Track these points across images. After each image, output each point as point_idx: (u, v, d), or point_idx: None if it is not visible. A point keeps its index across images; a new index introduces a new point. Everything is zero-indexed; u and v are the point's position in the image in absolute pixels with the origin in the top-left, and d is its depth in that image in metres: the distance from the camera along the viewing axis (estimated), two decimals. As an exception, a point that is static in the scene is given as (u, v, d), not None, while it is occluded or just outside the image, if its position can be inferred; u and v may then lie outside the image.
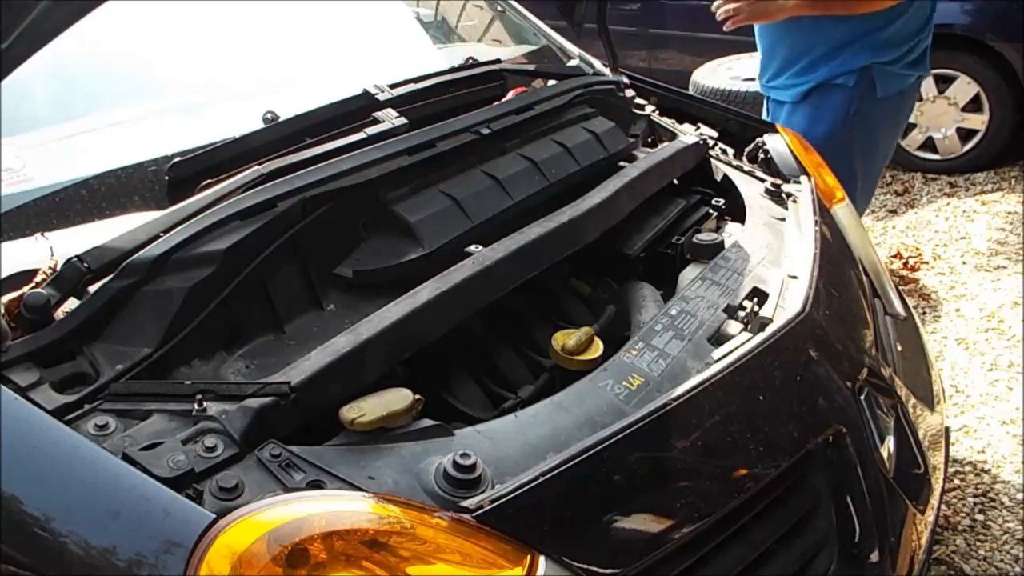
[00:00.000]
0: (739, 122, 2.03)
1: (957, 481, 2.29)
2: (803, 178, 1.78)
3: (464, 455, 0.92)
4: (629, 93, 2.03)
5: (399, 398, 1.00)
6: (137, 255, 1.09)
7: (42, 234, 1.19)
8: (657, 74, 2.51)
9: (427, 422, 1.01)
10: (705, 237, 1.51)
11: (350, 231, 1.32)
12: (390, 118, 1.46)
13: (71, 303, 1.07)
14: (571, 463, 0.95)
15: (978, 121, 4.17)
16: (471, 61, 1.94)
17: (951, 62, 3.96)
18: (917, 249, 3.60)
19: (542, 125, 1.66)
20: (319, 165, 1.29)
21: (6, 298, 1.03)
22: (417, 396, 1.01)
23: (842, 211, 1.82)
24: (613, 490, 1.00)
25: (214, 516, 0.82)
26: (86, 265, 1.07)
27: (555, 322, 1.41)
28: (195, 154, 1.36)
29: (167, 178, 1.35)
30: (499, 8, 2.45)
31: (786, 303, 1.34)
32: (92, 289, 1.08)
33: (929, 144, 4.28)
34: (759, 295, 1.37)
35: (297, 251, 1.24)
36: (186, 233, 1.12)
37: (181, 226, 1.13)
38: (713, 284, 1.39)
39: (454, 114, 1.54)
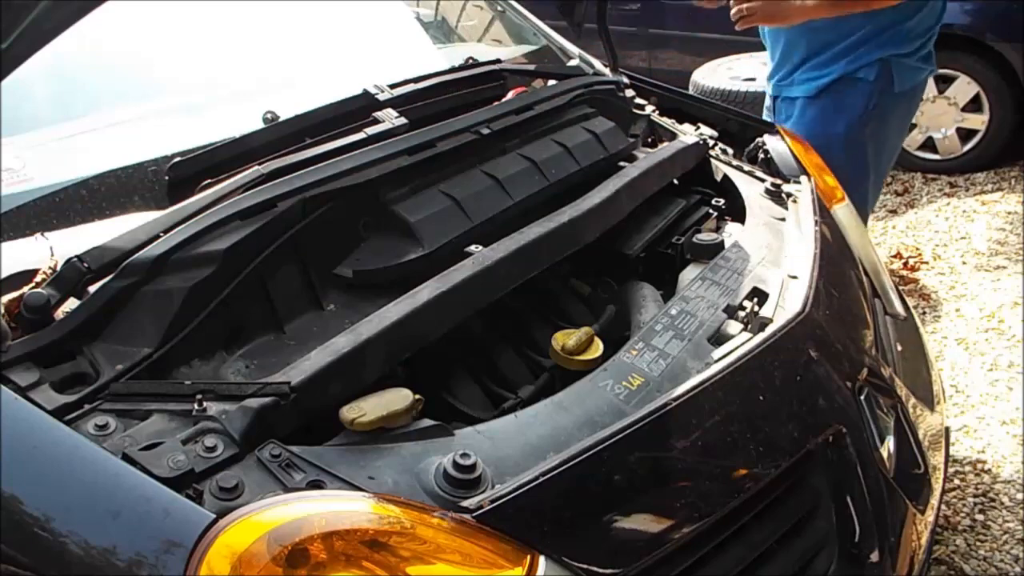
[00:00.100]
0: (739, 122, 2.03)
1: (957, 481, 2.29)
2: (803, 178, 1.78)
3: (464, 455, 0.92)
4: (629, 93, 2.03)
5: (399, 398, 1.00)
6: (137, 255, 1.09)
7: (42, 234, 1.19)
8: (657, 74, 2.51)
9: (427, 422, 1.01)
10: (705, 237, 1.51)
11: (350, 231, 1.32)
12: (390, 118, 1.46)
13: (71, 303, 1.07)
14: (571, 463, 0.95)
15: (978, 121, 4.17)
16: (471, 61, 1.94)
17: (951, 62, 3.96)
18: (917, 249, 3.60)
19: (542, 125, 1.66)
20: (319, 165, 1.29)
21: (6, 298, 1.03)
22: (417, 396, 1.01)
23: (842, 211, 1.82)
24: (613, 490, 1.00)
25: (214, 516, 0.82)
26: (86, 265, 1.07)
27: (555, 322, 1.41)
28: (195, 154, 1.36)
29: (167, 178, 1.34)
30: (499, 8, 2.45)
31: (786, 303, 1.34)
32: (92, 289, 1.08)
33: (929, 144, 4.28)
34: (759, 295, 1.37)
35: (297, 251, 1.24)
36: (186, 233, 1.12)
37: (181, 226, 1.13)
38: (713, 284, 1.39)
39: (454, 114, 1.54)
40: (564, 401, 1.09)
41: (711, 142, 1.90)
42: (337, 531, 0.83)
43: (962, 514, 2.19)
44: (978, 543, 2.11)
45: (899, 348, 1.67)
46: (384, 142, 1.39)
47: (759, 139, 1.93)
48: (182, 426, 0.93)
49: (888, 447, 1.36)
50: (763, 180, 1.79)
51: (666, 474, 1.08)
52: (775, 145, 1.90)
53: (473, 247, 1.30)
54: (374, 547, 0.84)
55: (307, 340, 1.16)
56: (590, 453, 0.97)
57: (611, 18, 2.14)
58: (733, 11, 2.19)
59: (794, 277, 1.40)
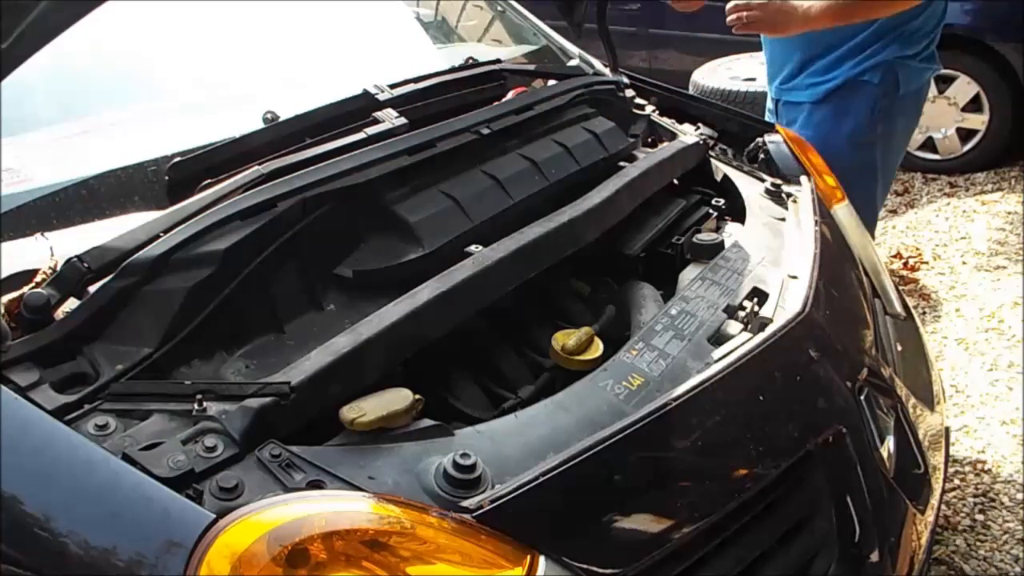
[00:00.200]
0: (739, 122, 2.03)
1: (957, 481, 2.29)
2: (803, 178, 1.78)
3: (464, 455, 0.92)
4: (629, 93, 2.02)
5: (399, 398, 1.00)
6: (137, 255, 1.09)
7: (42, 234, 1.19)
8: (657, 74, 2.50)
9: (427, 422, 1.01)
10: (705, 237, 1.51)
11: (350, 231, 1.32)
12: (390, 118, 1.46)
13: (71, 303, 1.07)
14: (571, 463, 0.95)
15: (978, 121, 4.17)
16: (471, 61, 1.94)
17: (951, 62, 3.96)
18: (917, 249, 3.60)
19: (542, 125, 1.66)
20: (319, 165, 1.29)
21: (6, 298, 1.03)
22: (417, 396, 1.01)
23: (842, 211, 1.82)
24: (613, 490, 1.00)
25: (214, 516, 0.82)
26: (86, 265, 1.07)
27: (555, 322, 1.41)
28: (195, 154, 1.36)
29: (167, 178, 1.34)
30: (499, 8, 2.45)
31: (786, 303, 1.34)
32: (92, 289, 1.08)
33: (929, 144, 4.28)
34: (759, 295, 1.37)
35: (297, 251, 1.24)
36: (186, 233, 1.12)
37: (181, 226, 1.13)
38: (713, 284, 1.39)
39: (454, 114, 1.54)
40: (564, 401, 1.09)
41: (711, 142, 1.90)
42: (337, 531, 0.83)
43: (962, 514, 2.19)
44: (978, 543, 2.11)
45: (899, 348, 1.67)
46: (384, 142, 1.39)
47: (759, 139, 1.93)
48: (182, 426, 0.93)
49: (888, 447, 1.36)
50: (763, 180, 1.79)
51: (666, 474, 1.08)
52: (775, 145, 1.90)
53: (473, 247, 1.30)
54: (374, 547, 0.84)
55: (307, 340, 1.15)
56: (590, 453, 0.97)
57: (611, 18, 2.14)
58: (731, 17, 2.14)
59: (794, 277, 1.40)
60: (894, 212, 4.00)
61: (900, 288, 2.12)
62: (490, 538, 0.88)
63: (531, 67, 2.04)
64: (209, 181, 1.28)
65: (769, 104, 2.49)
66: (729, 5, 2.10)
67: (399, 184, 1.37)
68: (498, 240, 1.29)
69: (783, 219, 1.65)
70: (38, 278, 1.07)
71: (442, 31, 2.64)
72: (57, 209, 1.35)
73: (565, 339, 1.25)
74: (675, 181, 1.80)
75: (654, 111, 2.02)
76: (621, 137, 1.78)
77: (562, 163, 1.58)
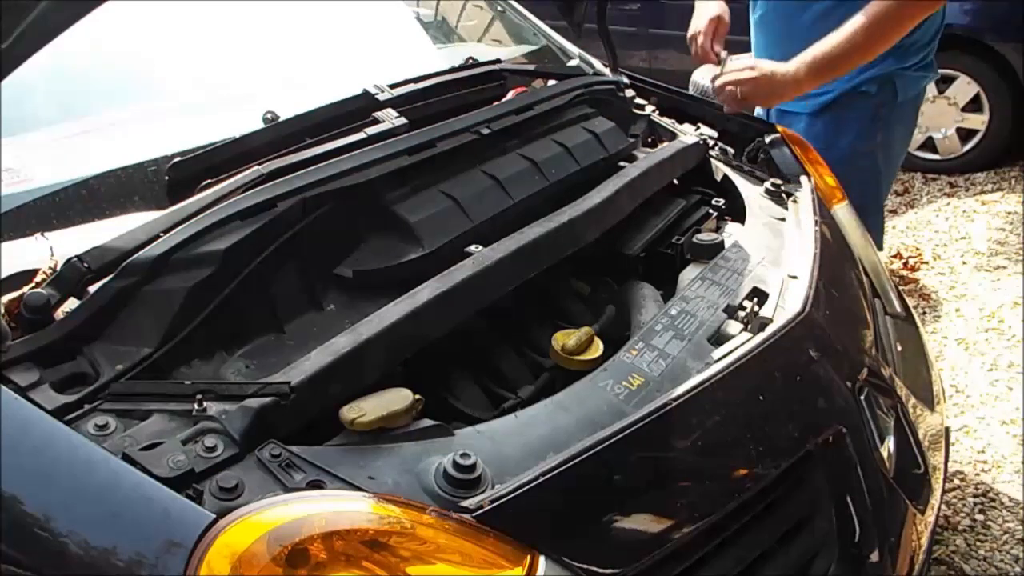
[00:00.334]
0: (739, 122, 2.02)
1: (957, 481, 2.29)
2: (803, 178, 1.78)
3: (464, 455, 0.92)
4: (629, 93, 2.02)
5: (399, 398, 1.00)
6: (137, 255, 1.09)
7: (42, 234, 1.19)
8: (657, 74, 2.50)
9: (427, 422, 1.01)
10: (705, 237, 1.51)
11: (350, 231, 1.32)
12: (390, 118, 1.46)
13: (71, 303, 1.07)
14: (571, 463, 0.95)
15: (978, 121, 4.17)
16: (471, 61, 1.94)
17: (951, 62, 3.97)
18: (917, 249, 3.61)
19: (542, 125, 1.66)
20: (319, 165, 1.29)
21: (6, 298, 1.03)
22: (417, 396, 1.01)
23: (842, 211, 1.82)
24: (613, 490, 1.00)
25: (214, 516, 0.82)
26: (86, 265, 1.07)
27: (555, 322, 1.41)
28: (195, 154, 1.36)
29: (167, 178, 1.34)
30: (499, 8, 2.45)
31: (786, 303, 1.33)
32: (92, 289, 1.08)
33: (929, 144, 4.28)
34: (759, 295, 1.37)
35: (297, 251, 1.24)
36: (186, 233, 1.12)
37: (181, 226, 1.13)
38: (713, 284, 1.39)
39: (454, 114, 1.54)
40: (564, 401, 1.09)
41: (711, 142, 1.90)
42: (337, 531, 0.83)
43: (962, 514, 2.19)
44: (978, 543, 2.11)
45: (899, 348, 1.67)
46: (384, 142, 1.39)
47: (759, 139, 1.93)
48: (182, 426, 0.93)
49: (888, 447, 1.36)
50: (763, 180, 1.79)
51: (666, 474, 1.08)
52: (775, 145, 1.90)
53: (473, 247, 1.30)
54: (374, 547, 0.84)
55: (307, 340, 1.15)
56: (590, 453, 0.97)
57: (611, 18, 2.14)
58: (722, 97, 1.95)
59: (794, 277, 1.40)
60: (894, 212, 4.00)
61: (900, 288, 2.12)
62: (490, 538, 0.88)
63: (531, 67, 2.04)
64: (209, 181, 1.28)
65: (759, 110, 2.45)
66: (716, 84, 1.97)
67: (399, 184, 1.37)
68: (498, 240, 1.29)
69: (783, 219, 1.65)
70: (38, 278, 1.07)
71: (442, 31, 2.64)
72: (57, 209, 1.35)
73: (565, 339, 1.25)
74: (675, 181, 1.80)
75: (654, 111, 2.02)
76: (621, 137, 1.78)
77: (562, 163, 1.58)
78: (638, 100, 2.03)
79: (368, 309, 1.13)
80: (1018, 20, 3.92)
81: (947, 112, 4.19)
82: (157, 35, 1.79)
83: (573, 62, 2.10)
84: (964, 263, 3.43)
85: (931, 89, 4.06)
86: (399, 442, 0.97)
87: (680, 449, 1.09)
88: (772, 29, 2.21)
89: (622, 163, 1.68)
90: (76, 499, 0.84)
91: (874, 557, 1.23)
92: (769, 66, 1.90)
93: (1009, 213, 3.75)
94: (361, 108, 1.51)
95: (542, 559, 0.89)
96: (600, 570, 0.93)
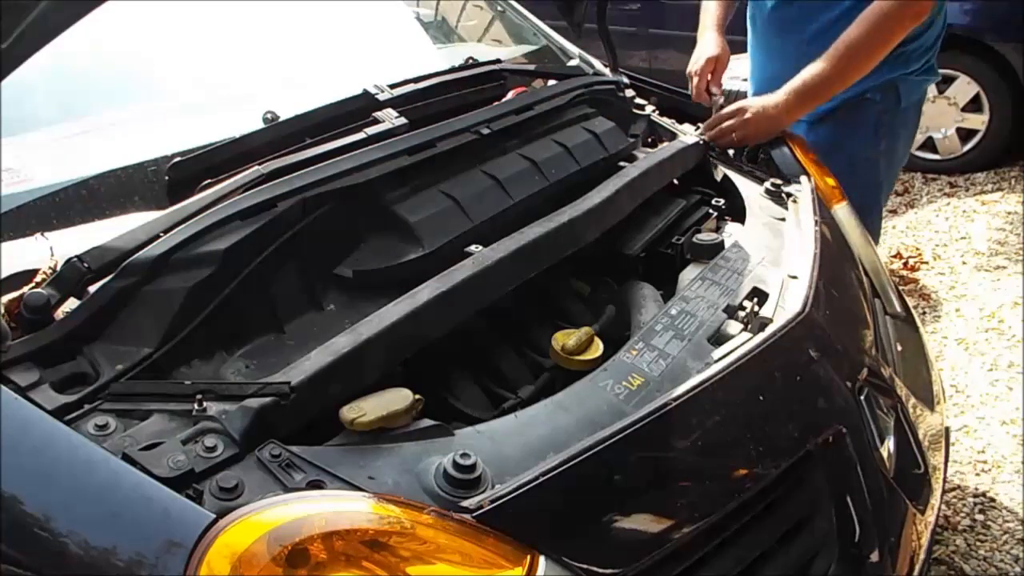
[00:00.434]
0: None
1: (957, 481, 2.29)
2: (803, 178, 1.78)
3: (464, 455, 0.92)
4: (629, 93, 2.03)
5: (399, 398, 1.00)
6: (137, 255, 1.09)
7: (42, 234, 1.19)
8: (657, 74, 2.49)
9: (427, 422, 1.01)
10: (705, 237, 1.51)
11: (350, 231, 1.32)
12: (390, 118, 1.46)
13: (71, 303, 1.07)
14: (571, 463, 0.95)
15: (978, 121, 4.17)
16: (471, 61, 1.94)
17: (951, 62, 3.97)
18: (917, 249, 3.61)
19: (542, 125, 1.66)
20: (319, 165, 1.29)
21: (6, 298, 1.03)
22: (417, 396, 1.01)
23: (842, 211, 1.82)
24: (613, 490, 1.00)
25: (214, 516, 0.82)
26: (86, 265, 1.07)
27: (555, 322, 1.41)
28: (195, 154, 1.36)
29: (167, 178, 1.34)
30: (499, 8, 2.45)
31: (786, 303, 1.33)
32: (92, 289, 1.08)
33: (929, 144, 4.28)
34: (759, 295, 1.37)
35: (297, 251, 1.24)
36: (186, 233, 1.12)
37: (181, 226, 1.13)
38: (713, 284, 1.39)
39: (454, 114, 1.54)
40: (564, 401, 1.09)
41: (711, 142, 1.89)
42: (337, 531, 0.83)
43: (962, 514, 2.19)
44: (978, 543, 2.11)
45: (899, 348, 1.67)
46: (384, 142, 1.39)
47: (759, 139, 1.92)
48: (182, 426, 0.93)
49: (888, 447, 1.36)
50: (763, 180, 1.79)
51: (666, 474, 1.08)
52: (775, 145, 1.90)
53: (473, 247, 1.30)
54: (374, 547, 0.84)
55: (307, 340, 1.15)
56: (590, 453, 0.97)
57: (611, 18, 2.14)
58: (722, 141, 1.89)
59: (794, 277, 1.40)
60: (894, 212, 4.00)
61: (900, 288, 2.12)
62: (490, 538, 0.88)
63: (531, 67, 2.04)
64: (209, 181, 1.28)
65: None
66: (708, 135, 1.89)
67: (399, 184, 1.37)
68: (498, 240, 1.29)
69: (783, 219, 1.65)
70: (38, 278, 1.07)
71: (442, 31, 2.64)
72: (57, 209, 1.35)
73: (565, 339, 1.25)
74: (675, 181, 1.80)
75: (654, 111, 2.02)
76: (621, 137, 1.78)
77: (562, 163, 1.58)
78: (638, 100, 2.03)
79: (368, 309, 1.13)
80: (1018, 20, 3.92)
81: (947, 112, 4.19)
82: (157, 35, 1.79)
83: (573, 62, 2.10)
84: (964, 263, 3.43)
85: (931, 89, 4.03)
86: (399, 442, 0.97)
87: (680, 449, 1.09)
88: (781, 29, 2.19)
89: (622, 163, 1.68)
90: (76, 499, 0.84)
91: (874, 557, 1.23)
92: (758, 103, 1.90)
93: (1009, 213, 3.75)
94: (361, 108, 1.51)
95: (542, 559, 0.89)
96: (600, 570, 0.93)
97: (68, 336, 1.03)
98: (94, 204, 1.38)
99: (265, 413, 0.94)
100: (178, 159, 1.35)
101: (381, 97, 1.54)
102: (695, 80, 2.11)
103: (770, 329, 1.26)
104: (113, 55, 1.71)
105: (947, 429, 1.67)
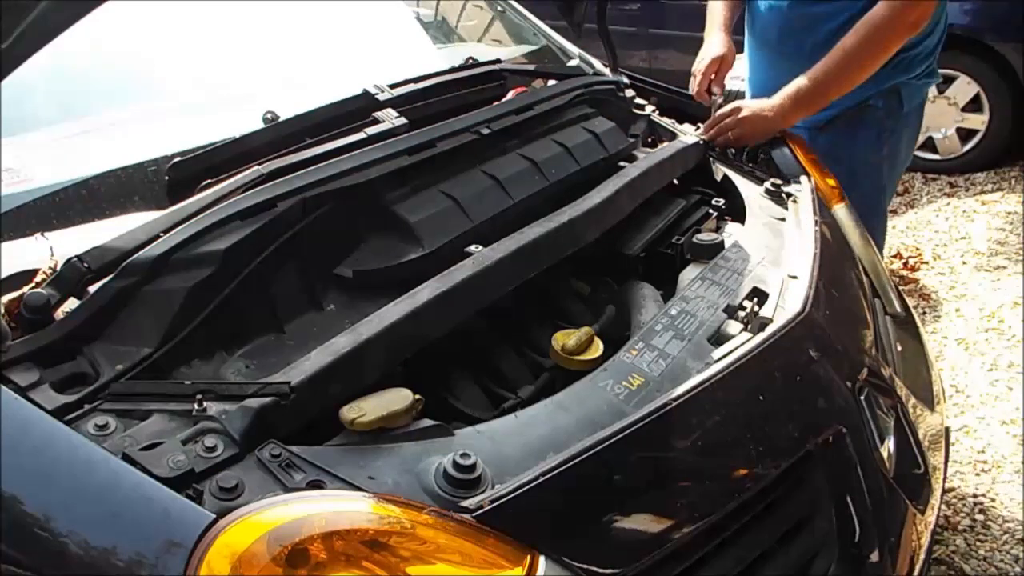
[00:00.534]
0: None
1: (957, 481, 2.29)
2: (803, 178, 1.78)
3: (464, 455, 0.92)
4: (629, 93, 2.03)
5: (399, 398, 1.00)
6: (137, 255, 1.09)
7: (42, 234, 1.19)
8: (657, 74, 2.49)
9: (427, 422, 1.01)
10: (705, 237, 1.51)
11: (350, 231, 1.32)
12: (390, 118, 1.46)
13: (71, 303, 1.07)
14: (571, 463, 0.95)
15: (978, 121, 4.17)
16: (471, 61, 1.94)
17: (951, 62, 3.96)
18: (917, 249, 3.61)
19: (542, 125, 1.66)
20: (319, 165, 1.29)
21: (6, 298, 1.03)
22: (417, 396, 1.01)
23: (842, 211, 1.82)
24: (613, 490, 1.00)
25: (214, 516, 0.82)
26: (86, 265, 1.07)
27: (555, 322, 1.41)
28: (195, 154, 1.36)
29: (167, 178, 1.34)
30: (499, 8, 2.45)
31: (786, 303, 1.33)
32: (92, 289, 1.08)
33: (929, 144, 4.28)
34: (759, 295, 1.37)
35: (297, 251, 1.24)
36: (186, 233, 1.12)
37: (181, 226, 1.13)
38: (713, 284, 1.39)
39: (454, 114, 1.54)
40: (564, 401, 1.09)
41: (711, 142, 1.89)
42: (337, 531, 0.83)
43: (962, 514, 2.19)
44: (978, 543, 2.11)
45: (899, 348, 1.67)
46: (384, 142, 1.39)
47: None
48: (182, 426, 0.93)
49: (888, 447, 1.36)
50: (763, 180, 1.79)
51: (666, 474, 1.08)
52: (775, 145, 1.90)
53: (473, 247, 1.30)
54: (374, 547, 0.84)
55: (307, 340, 1.15)
56: (590, 453, 0.97)
57: (611, 18, 2.14)
58: (719, 139, 1.89)
59: (794, 277, 1.40)
60: (894, 212, 4.00)
61: (900, 288, 2.12)
62: (490, 538, 0.88)
63: (531, 67, 2.04)
64: (209, 181, 1.28)
65: None
66: (707, 135, 1.89)
67: (399, 184, 1.37)
68: (498, 240, 1.29)
69: (783, 219, 1.65)
70: (38, 278, 1.07)
71: (442, 31, 2.64)
72: (57, 209, 1.35)
73: (565, 339, 1.25)
74: (675, 181, 1.80)
75: (654, 111, 2.02)
76: (621, 137, 1.78)
77: (562, 163, 1.58)
78: (638, 100, 2.03)
79: (368, 309, 1.13)
80: (1018, 20, 3.92)
81: (947, 112, 4.19)
82: (157, 35, 1.79)
83: (573, 62, 2.10)
84: (964, 263, 3.43)
85: (931, 89, 4.05)
86: (399, 442, 0.97)
87: (680, 449, 1.09)
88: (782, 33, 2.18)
89: (622, 163, 1.68)
90: (76, 499, 0.84)
91: (874, 557, 1.23)
92: (755, 104, 1.90)
93: (1009, 213, 3.75)
94: (361, 108, 1.51)
95: (542, 559, 0.89)
96: (600, 570, 0.93)
97: (68, 336, 1.03)
98: (94, 204, 1.38)
99: (265, 413, 0.94)
100: (178, 159, 1.35)
101: (381, 97, 1.54)
102: (697, 79, 2.11)
103: (770, 329, 1.26)
104: (113, 55, 1.71)
105: (947, 429, 1.67)
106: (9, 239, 1.20)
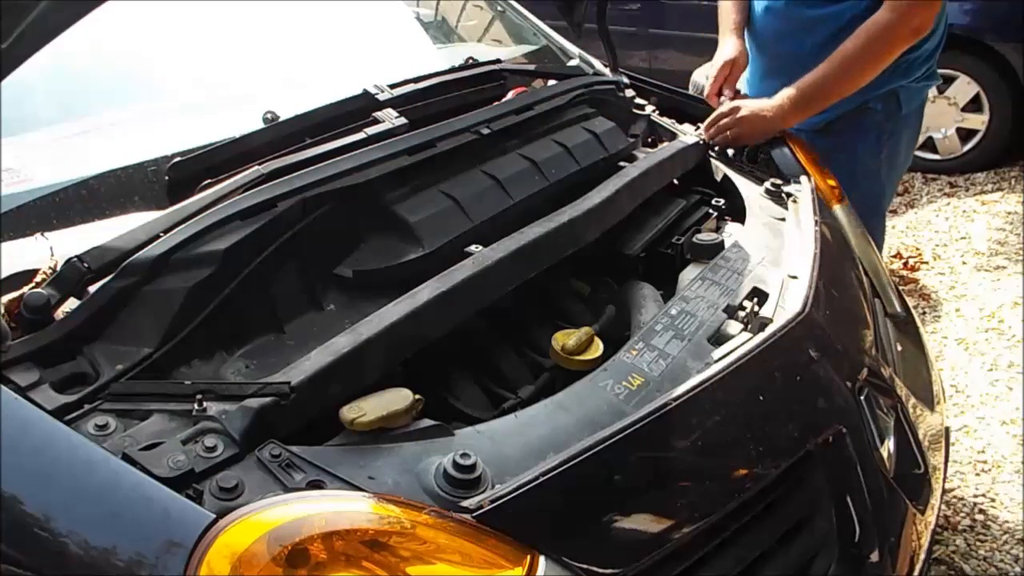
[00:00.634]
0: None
1: (957, 481, 2.29)
2: (803, 178, 1.78)
3: (464, 455, 0.92)
4: (629, 93, 2.03)
5: (399, 398, 1.00)
6: (137, 255, 1.09)
7: (42, 234, 1.19)
8: (657, 74, 2.49)
9: (427, 422, 1.01)
10: (705, 237, 1.51)
11: (350, 231, 1.32)
12: (390, 118, 1.46)
13: (71, 303, 1.07)
14: (571, 463, 0.95)
15: (978, 121, 4.17)
16: (471, 61, 1.94)
17: (951, 62, 3.96)
18: (917, 249, 3.61)
19: (542, 125, 1.66)
20: (319, 165, 1.29)
21: (6, 298, 1.03)
22: (417, 396, 1.01)
23: (842, 211, 1.82)
24: (613, 490, 1.00)
25: (214, 516, 0.82)
26: (86, 265, 1.07)
27: (555, 322, 1.41)
28: (195, 154, 1.36)
29: (167, 178, 1.34)
30: (499, 8, 2.45)
31: (786, 303, 1.33)
32: (92, 289, 1.08)
33: (929, 144, 4.28)
34: (759, 295, 1.37)
35: (297, 251, 1.24)
36: (186, 233, 1.12)
37: (181, 226, 1.13)
38: (713, 284, 1.39)
39: (454, 114, 1.54)
40: (564, 401, 1.09)
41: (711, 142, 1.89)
42: (337, 531, 0.83)
43: (962, 514, 2.19)
44: (978, 543, 2.11)
45: (899, 348, 1.67)
46: (384, 142, 1.39)
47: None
48: (182, 426, 0.93)
49: (888, 447, 1.36)
50: (763, 180, 1.79)
51: (666, 474, 1.08)
52: (775, 145, 1.90)
53: (473, 247, 1.30)
54: (374, 547, 0.84)
55: (307, 340, 1.15)
56: (590, 453, 0.97)
57: (611, 18, 2.14)
58: (717, 138, 1.89)
59: (794, 277, 1.40)
60: (894, 212, 4.00)
61: (900, 288, 2.12)
62: (490, 538, 0.88)
63: (531, 67, 2.04)
64: (209, 181, 1.28)
65: None
66: (707, 135, 1.89)
67: (399, 184, 1.37)
68: (498, 240, 1.29)
69: (783, 219, 1.65)
70: (38, 278, 1.07)
71: (442, 31, 2.64)
72: (57, 209, 1.35)
73: (565, 339, 1.25)
74: (675, 181, 1.80)
75: (654, 111, 2.02)
76: (621, 137, 1.78)
77: (562, 163, 1.58)
78: (638, 100, 2.03)
79: (368, 309, 1.13)
80: (1018, 20, 3.92)
81: (947, 112, 4.19)
82: (157, 35, 1.79)
83: (573, 62, 2.10)
84: (964, 263, 3.43)
85: (931, 90, 4.05)
86: (399, 442, 0.97)
87: (680, 449, 1.09)
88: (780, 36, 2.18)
89: (622, 163, 1.68)
90: (76, 499, 0.84)
91: (874, 557, 1.23)
92: (754, 104, 1.90)
93: (1009, 213, 3.75)
94: (361, 108, 1.51)
95: (542, 559, 0.89)
96: (600, 570, 0.93)
97: (68, 336, 1.03)
98: (94, 204, 1.38)
99: (265, 413, 0.94)
100: (178, 159, 1.35)
101: (381, 97, 1.54)
102: (709, 82, 2.11)
103: (770, 329, 1.26)
104: (113, 55, 1.71)
105: (947, 429, 1.67)
106: (9, 239, 1.20)
